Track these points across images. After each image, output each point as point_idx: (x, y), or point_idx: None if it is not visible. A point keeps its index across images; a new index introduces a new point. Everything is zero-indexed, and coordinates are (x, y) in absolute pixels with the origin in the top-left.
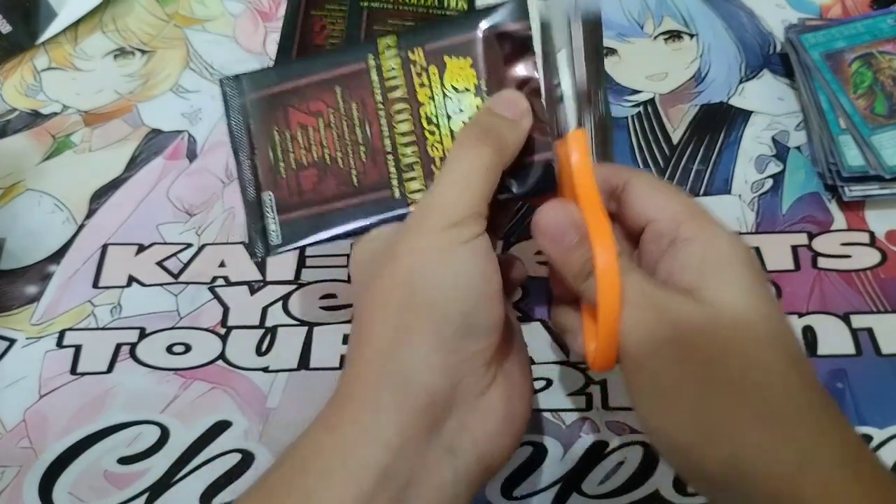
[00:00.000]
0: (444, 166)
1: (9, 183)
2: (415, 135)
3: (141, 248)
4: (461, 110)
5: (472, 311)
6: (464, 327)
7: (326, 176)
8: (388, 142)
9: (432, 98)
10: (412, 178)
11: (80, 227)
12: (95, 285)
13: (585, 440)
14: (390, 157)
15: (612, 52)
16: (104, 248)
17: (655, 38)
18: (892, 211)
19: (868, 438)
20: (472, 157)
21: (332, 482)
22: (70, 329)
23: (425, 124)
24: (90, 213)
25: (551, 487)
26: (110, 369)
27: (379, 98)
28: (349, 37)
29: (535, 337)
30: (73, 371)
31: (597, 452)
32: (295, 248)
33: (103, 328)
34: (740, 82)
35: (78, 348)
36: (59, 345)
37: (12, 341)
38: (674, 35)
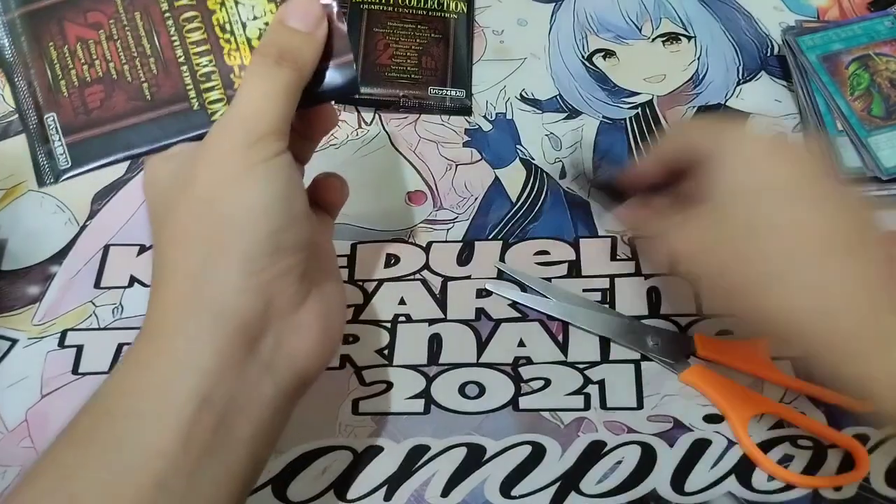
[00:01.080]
0: (241, 87)
1: (11, 184)
2: (209, 43)
3: (142, 249)
4: (255, 17)
5: (276, 230)
6: (270, 247)
7: (115, 91)
8: (180, 51)
9: (223, 5)
10: (210, 88)
11: (82, 227)
12: (97, 286)
13: (583, 440)
14: (185, 67)
15: (611, 54)
16: (106, 248)
17: (653, 40)
18: (889, 212)
19: (865, 439)
20: (270, 78)
21: (146, 423)
22: (72, 329)
23: (219, 33)
24: (92, 214)
25: (549, 487)
26: (112, 369)
27: (164, 6)
28: (349, 37)
29: (535, 337)
30: (75, 371)
31: (595, 452)
32: (89, 171)
33: (105, 328)
34: (738, 84)
35: (80, 348)
36: (61, 345)
37: (14, 341)
38: (672, 37)
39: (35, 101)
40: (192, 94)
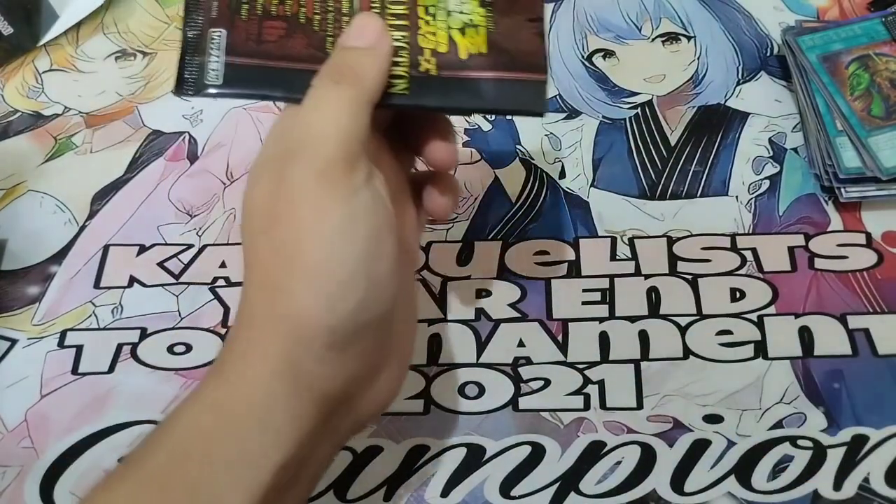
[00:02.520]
0: (302, 113)
1: (10, 184)
2: (408, 20)
3: (142, 249)
4: (462, 12)
5: (355, 285)
6: (348, 307)
7: (296, 33)
8: None
9: None
10: (395, 63)
11: (82, 227)
12: (97, 286)
13: (583, 440)
14: None
15: (611, 54)
16: (105, 248)
17: (653, 40)
18: (888, 212)
19: (865, 439)
20: (331, 98)
21: (225, 474)
22: (71, 329)
23: (422, 13)
24: (91, 214)
25: (549, 487)
26: (111, 369)
27: None
28: None
29: (535, 337)
30: (75, 371)
31: (594, 452)
32: (235, 95)
33: (104, 328)
34: (738, 84)
35: (79, 348)
36: (61, 345)
37: (14, 342)
38: (671, 37)
39: (207, 13)
40: None
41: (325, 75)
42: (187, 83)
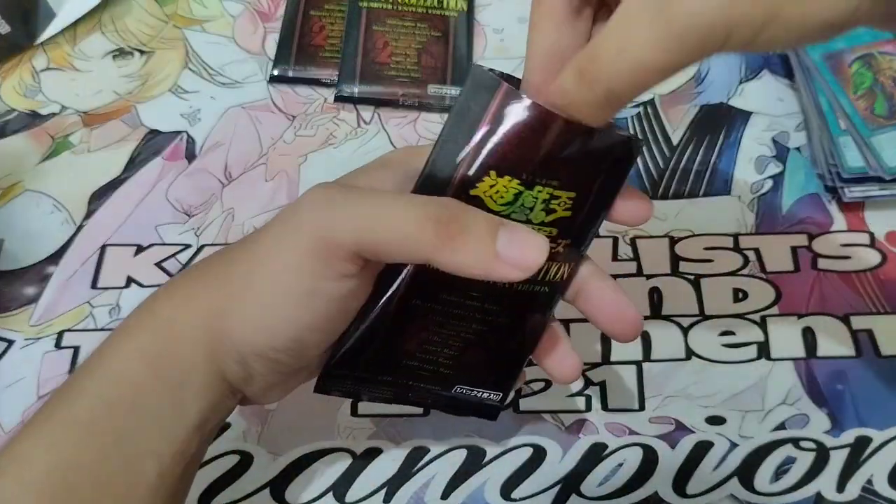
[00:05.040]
0: (361, 207)
1: (7, 184)
2: None
3: (140, 249)
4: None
5: (279, 347)
6: (266, 355)
7: None
8: None
9: None
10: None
11: (79, 227)
12: (94, 286)
13: (584, 441)
14: None
15: None
16: (103, 248)
17: None
18: (892, 212)
19: (868, 440)
20: (408, 218)
21: (151, 423)
22: (69, 330)
23: None
24: (89, 214)
25: (550, 489)
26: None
27: None
28: (348, 37)
29: None
30: (72, 372)
31: (596, 454)
32: None
33: (102, 329)
34: (740, 83)
35: (76, 349)
36: (58, 346)
37: (11, 342)
38: None
39: None
40: None
41: (438, 212)
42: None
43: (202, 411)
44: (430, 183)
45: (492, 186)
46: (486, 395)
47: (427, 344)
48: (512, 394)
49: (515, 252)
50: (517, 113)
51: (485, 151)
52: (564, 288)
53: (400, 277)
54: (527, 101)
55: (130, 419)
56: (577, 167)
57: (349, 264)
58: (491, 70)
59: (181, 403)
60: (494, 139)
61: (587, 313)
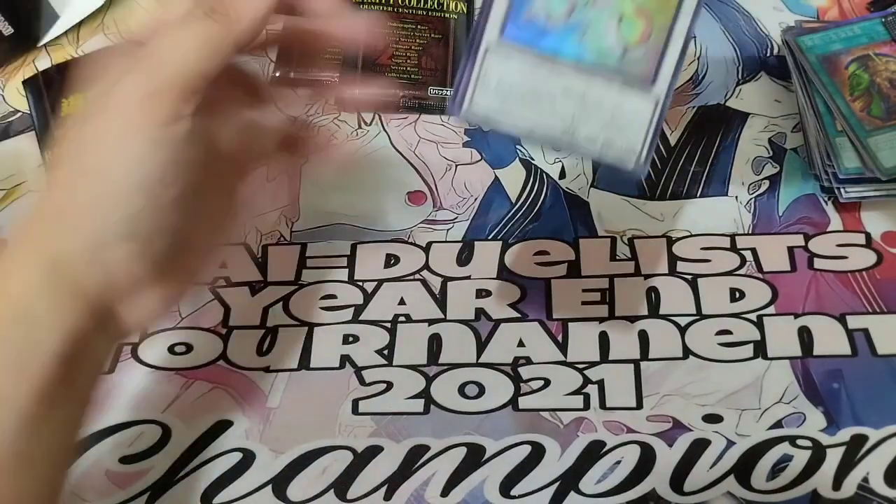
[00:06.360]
0: (157, 36)
1: (11, 185)
2: None
3: None
4: None
5: (131, 217)
6: (119, 231)
7: None
8: None
9: None
10: None
11: None
12: None
13: (583, 439)
14: None
15: None
16: None
17: None
18: (888, 212)
19: (864, 439)
20: (191, 29)
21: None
22: None
23: None
24: None
25: (549, 486)
26: (112, 369)
27: None
28: None
29: (535, 337)
30: None
31: (594, 452)
32: None
33: None
34: (737, 84)
35: None
36: None
37: None
38: None
39: None
40: None
41: (197, 5)
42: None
43: (58, 339)
44: None
45: None
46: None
47: None
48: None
49: None
50: None
51: None
52: None
53: None
54: None
55: None
56: None
57: (181, 104)
58: None
59: (28, 335)
60: None
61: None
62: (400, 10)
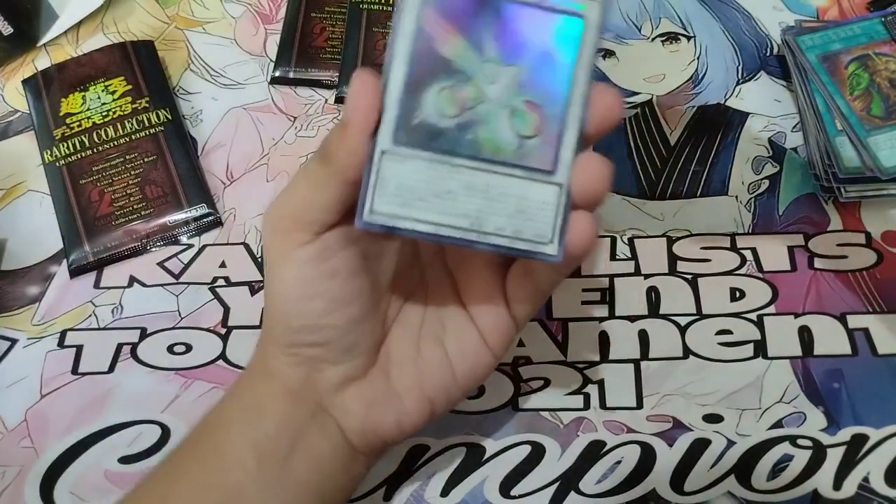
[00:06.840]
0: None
1: (10, 184)
2: None
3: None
4: None
5: (293, 329)
6: (291, 331)
7: None
8: None
9: None
10: None
11: None
12: (97, 286)
13: (583, 439)
14: None
15: (611, 53)
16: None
17: (653, 39)
18: (888, 212)
19: (864, 438)
20: (306, 172)
21: (233, 437)
22: (71, 329)
23: None
24: None
25: (549, 486)
26: (111, 369)
27: None
28: (349, 38)
29: (535, 336)
30: (75, 371)
31: (594, 452)
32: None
33: (104, 328)
34: (737, 84)
35: (79, 348)
36: (61, 345)
37: (14, 341)
38: (671, 37)
39: None
40: None
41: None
42: None
43: (272, 414)
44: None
45: None
46: None
47: None
48: None
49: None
50: None
51: None
52: None
53: None
54: None
55: (221, 431)
56: None
57: (297, 234)
58: None
59: (253, 409)
60: None
61: None
62: None
